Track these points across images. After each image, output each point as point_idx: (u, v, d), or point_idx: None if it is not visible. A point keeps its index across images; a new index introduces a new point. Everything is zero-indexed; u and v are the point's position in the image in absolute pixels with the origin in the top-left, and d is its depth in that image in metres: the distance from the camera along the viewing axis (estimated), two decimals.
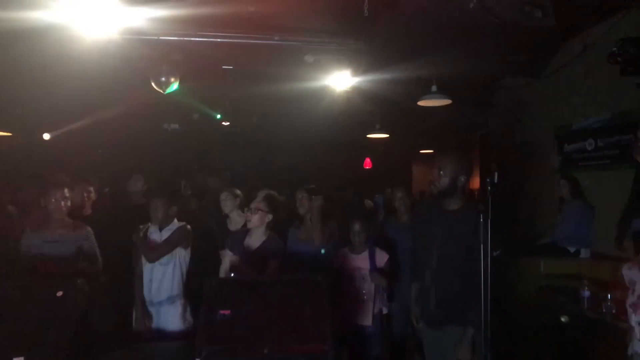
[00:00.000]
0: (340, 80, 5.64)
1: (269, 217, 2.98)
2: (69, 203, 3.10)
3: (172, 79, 5.28)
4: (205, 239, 3.71)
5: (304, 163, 9.64)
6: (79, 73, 4.68)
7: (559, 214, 4.80)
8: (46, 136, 7.12)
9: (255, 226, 2.98)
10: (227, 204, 3.82)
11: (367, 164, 11.28)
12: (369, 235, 3.34)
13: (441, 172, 2.54)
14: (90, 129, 6.55)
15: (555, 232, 4.69)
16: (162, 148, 8.15)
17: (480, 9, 2.72)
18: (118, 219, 3.93)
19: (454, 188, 2.54)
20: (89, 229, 3.24)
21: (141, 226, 3.26)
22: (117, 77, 5.08)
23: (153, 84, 5.22)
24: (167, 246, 3.14)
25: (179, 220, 3.32)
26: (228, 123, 6.93)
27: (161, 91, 5.30)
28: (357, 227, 3.28)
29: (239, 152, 9.95)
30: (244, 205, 3.84)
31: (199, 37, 3.94)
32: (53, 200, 3.02)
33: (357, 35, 4.29)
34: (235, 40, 3.96)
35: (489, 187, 1.99)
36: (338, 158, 10.16)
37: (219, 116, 6.55)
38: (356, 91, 5.87)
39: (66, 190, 3.10)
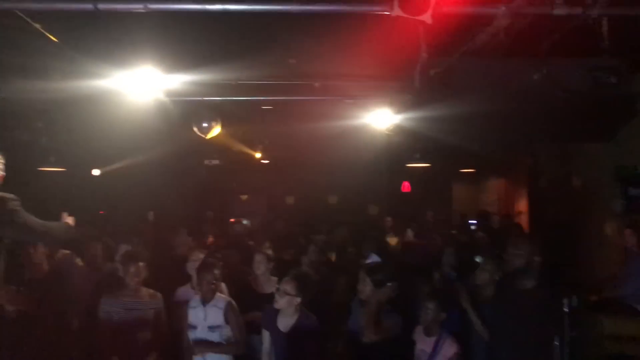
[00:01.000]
0: (381, 119, 5.55)
1: (297, 300, 2.85)
2: (146, 274, 3.30)
3: (214, 124, 5.35)
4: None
5: (341, 190, 9.54)
6: (129, 124, 4.92)
7: (624, 267, 4.43)
8: (95, 172, 7.42)
9: (282, 308, 2.89)
10: (261, 266, 3.79)
11: (406, 187, 11.03)
12: (444, 318, 2.97)
13: (516, 251, 2.54)
14: (136, 167, 6.76)
15: (622, 288, 4.31)
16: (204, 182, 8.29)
17: (544, 81, 2.54)
18: (161, 277, 3.92)
19: (528, 267, 2.51)
20: (160, 295, 3.37)
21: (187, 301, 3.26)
22: (161, 128, 5.27)
23: (195, 129, 5.30)
24: (243, 334, 3.16)
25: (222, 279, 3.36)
26: (268, 161, 6.95)
27: (203, 136, 5.38)
28: (429, 308, 2.95)
29: (277, 178, 9.97)
30: (275, 269, 3.80)
31: (239, 97, 3.93)
32: (133, 270, 3.21)
33: (402, 83, 4.18)
34: (277, 98, 3.92)
35: (567, 310, 1.83)
36: (377, 184, 10.03)
37: (258, 154, 6.57)
38: (398, 128, 5.74)
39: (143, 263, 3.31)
